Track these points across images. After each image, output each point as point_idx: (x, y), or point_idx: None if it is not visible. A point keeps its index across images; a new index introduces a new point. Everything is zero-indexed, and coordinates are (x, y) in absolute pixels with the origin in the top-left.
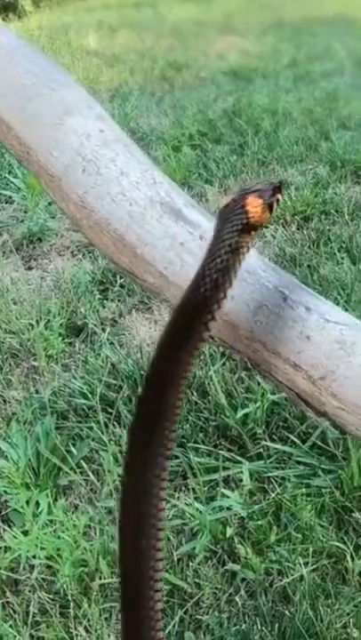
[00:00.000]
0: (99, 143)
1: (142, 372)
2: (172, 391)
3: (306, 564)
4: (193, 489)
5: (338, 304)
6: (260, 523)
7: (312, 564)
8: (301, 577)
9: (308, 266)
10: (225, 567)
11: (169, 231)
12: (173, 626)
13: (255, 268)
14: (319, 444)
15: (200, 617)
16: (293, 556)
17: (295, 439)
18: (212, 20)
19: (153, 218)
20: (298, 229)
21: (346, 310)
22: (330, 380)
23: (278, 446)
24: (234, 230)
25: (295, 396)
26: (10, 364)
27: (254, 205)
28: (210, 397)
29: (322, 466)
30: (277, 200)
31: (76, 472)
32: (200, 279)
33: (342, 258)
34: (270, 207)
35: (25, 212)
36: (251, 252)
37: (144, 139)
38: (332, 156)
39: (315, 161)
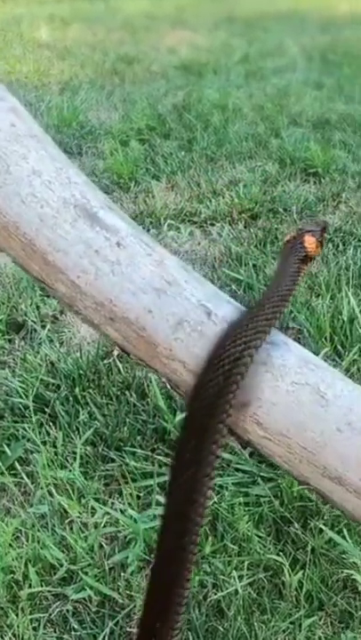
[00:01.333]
0: (9, 138)
1: (81, 372)
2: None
3: (241, 577)
4: (130, 494)
5: None
6: None
7: (248, 578)
8: (237, 591)
9: (254, 265)
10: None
11: (83, 236)
12: (103, 638)
13: (177, 279)
14: None
15: (131, 629)
16: (229, 568)
17: (236, 445)
18: (165, 14)
19: (66, 221)
20: (245, 227)
21: (290, 313)
22: (255, 406)
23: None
24: (296, 260)
25: None
26: None
27: (310, 242)
28: (149, 400)
29: (261, 474)
30: (324, 238)
31: (8, 474)
32: (270, 296)
33: None
34: (321, 244)
35: None
36: (172, 260)
37: (92, 132)
38: (281, 153)
39: (264, 158)
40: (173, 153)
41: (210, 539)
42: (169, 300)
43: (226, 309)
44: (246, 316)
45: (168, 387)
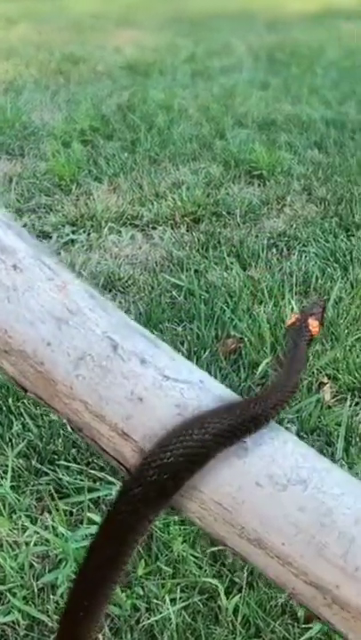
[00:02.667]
0: None
1: None
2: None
3: (175, 600)
4: (61, 511)
5: (224, 313)
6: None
7: (182, 601)
8: (170, 615)
9: (196, 271)
10: None
11: None
12: None
13: (80, 307)
14: None
15: None
16: (163, 591)
17: None
18: (113, 14)
19: None
20: (187, 231)
21: (232, 322)
22: None
23: None
24: (305, 345)
25: (125, 471)
26: None
27: (314, 326)
28: None
29: None
30: (325, 317)
31: None
32: (286, 379)
33: (232, 263)
34: (322, 323)
35: None
36: (76, 285)
37: (35, 133)
38: (226, 155)
39: (208, 160)
40: (116, 154)
41: (143, 559)
42: (70, 330)
43: (135, 342)
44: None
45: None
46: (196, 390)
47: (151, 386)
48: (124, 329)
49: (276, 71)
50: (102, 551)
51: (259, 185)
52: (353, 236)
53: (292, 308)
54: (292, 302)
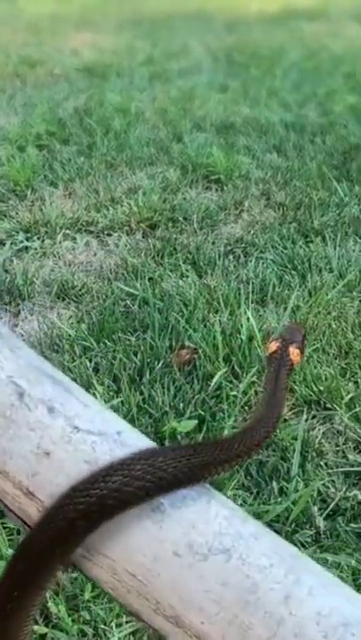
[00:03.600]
0: None
1: None
2: None
3: (121, 625)
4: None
5: (179, 323)
6: (74, 575)
7: (130, 626)
8: None
9: (150, 278)
10: (33, 628)
11: None
12: None
13: None
14: None
15: None
16: (110, 615)
17: None
18: (70, 16)
19: None
20: (143, 238)
21: (186, 332)
22: None
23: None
24: (286, 374)
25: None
26: None
27: (295, 354)
28: None
29: None
30: (305, 344)
31: None
32: (268, 409)
33: (187, 270)
34: (303, 351)
35: None
36: None
37: None
38: (183, 159)
39: (165, 164)
40: (72, 159)
41: (90, 583)
42: None
43: (44, 387)
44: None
45: None
46: (111, 444)
47: (59, 439)
48: (32, 372)
49: (235, 73)
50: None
51: (216, 190)
52: (311, 242)
53: (248, 318)
54: (248, 313)
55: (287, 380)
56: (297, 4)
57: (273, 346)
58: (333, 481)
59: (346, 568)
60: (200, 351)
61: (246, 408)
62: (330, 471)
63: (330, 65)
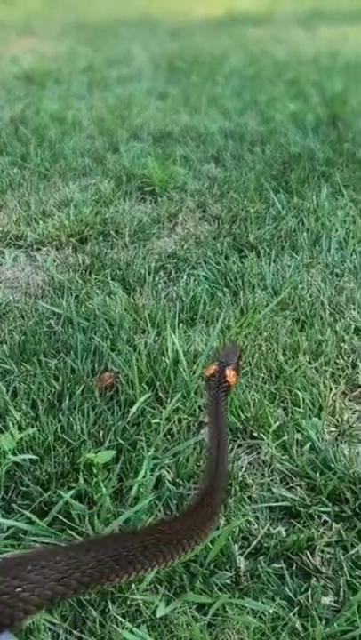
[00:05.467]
0: None
1: None
2: None
3: None
4: None
5: (103, 344)
6: None
7: None
8: None
9: (77, 297)
10: None
11: None
12: None
13: None
14: (62, 518)
15: None
16: None
17: (30, 514)
18: (12, 21)
19: None
20: (73, 252)
21: (111, 354)
22: None
23: (9, 522)
24: (223, 395)
25: None
26: None
27: (231, 376)
28: None
29: (63, 545)
30: (240, 365)
31: None
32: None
33: (115, 287)
34: (238, 371)
35: None
36: None
37: None
38: (118, 170)
39: (99, 175)
40: (5, 170)
41: None
42: None
43: None
44: None
45: None
46: None
47: None
48: None
49: (176, 80)
50: None
51: (151, 202)
52: (246, 257)
53: (173, 343)
54: (174, 336)
55: (225, 401)
56: (242, 9)
57: (210, 369)
58: (257, 517)
59: (265, 615)
60: (123, 375)
61: (169, 437)
62: (254, 506)
63: (272, 71)
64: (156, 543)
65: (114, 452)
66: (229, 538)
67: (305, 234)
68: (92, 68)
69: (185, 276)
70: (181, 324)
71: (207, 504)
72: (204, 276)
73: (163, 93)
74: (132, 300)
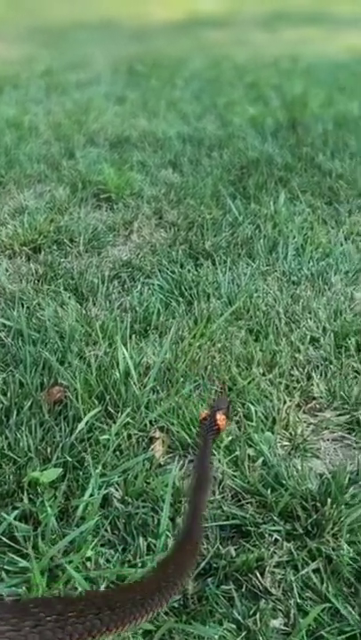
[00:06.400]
0: None
1: None
2: None
3: None
4: None
5: (55, 353)
6: None
7: None
8: None
9: (28, 307)
10: None
11: None
12: None
13: None
14: (5, 540)
15: None
16: None
17: None
18: None
19: None
20: (27, 262)
21: (60, 367)
22: None
23: None
24: (213, 437)
25: None
26: None
27: (221, 420)
28: None
29: (6, 567)
30: (230, 411)
31: None
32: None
33: (69, 297)
34: (228, 416)
35: None
36: None
37: None
38: (74, 177)
39: (54, 181)
40: None
41: None
42: None
43: None
44: None
45: None
46: None
47: None
48: None
49: (134, 84)
50: None
51: (107, 209)
52: (201, 265)
53: (124, 357)
54: (123, 348)
55: (212, 439)
56: (204, 12)
57: (203, 414)
58: (207, 536)
59: None
60: (72, 389)
61: (118, 453)
62: (204, 525)
63: (233, 74)
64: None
65: (60, 470)
66: None
67: (262, 241)
68: (50, 73)
69: (139, 286)
70: (134, 335)
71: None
72: (158, 285)
73: (121, 98)
74: (84, 311)
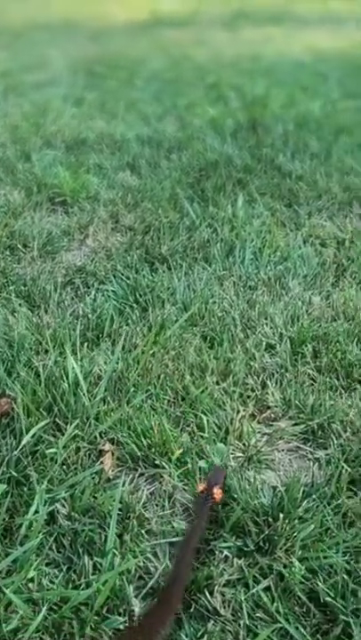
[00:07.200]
0: None
1: None
2: None
3: None
4: None
5: (4, 363)
6: None
7: None
8: None
9: None
10: None
11: None
12: None
13: None
14: None
15: None
16: None
17: None
18: None
19: None
20: None
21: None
22: None
23: None
24: (207, 510)
25: None
26: None
27: (217, 494)
28: None
29: None
30: (224, 482)
31: None
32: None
33: (20, 305)
34: (223, 489)
35: None
36: None
37: None
38: (29, 180)
39: (9, 185)
40: None
41: None
42: None
43: None
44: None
45: None
46: None
47: None
48: None
49: (93, 85)
50: None
51: (62, 213)
52: (157, 270)
53: (73, 367)
54: (72, 359)
55: (209, 513)
56: (164, 12)
57: (200, 486)
58: (156, 553)
59: None
60: (19, 400)
61: (65, 467)
62: (153, 542)
63: (193, 75)
64: None
65: (5, 487)
66: (124, 578)
67: (219, 244)
68: (7, 74)
69: (93, 292)
70: (86, 344)
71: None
72: (112, 291)
73: (79, 99)
74: (35, 319)
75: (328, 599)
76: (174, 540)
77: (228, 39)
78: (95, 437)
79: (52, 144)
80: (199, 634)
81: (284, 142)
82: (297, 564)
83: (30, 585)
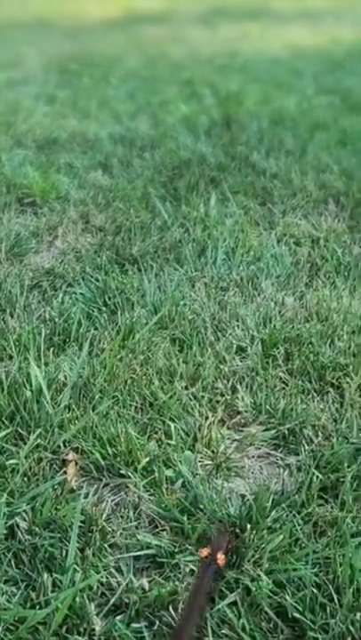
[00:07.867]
0: None
1: None
2: None
3: None
4: None
5: None
6: None
7: None
8: None
9: None
10: None
11: None
12: None
13: None
14: None
15: None
16: None
17: None
18: None
19: None
20: None
21: None
22: None
23: None
24: (211, 577)
25: None
26: None
27: (221, 559)
28: None
29: None
30: (228, 547)
31: None
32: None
33: None
34: (226, 554)
35: None
36: None
37: None
38: None
39: None
40: None
41: None
42: None
43: None
44: None
45: None
46: None
47: None
48: None
49: (67, 83)
50: None
51: (31, 214)
52: (127, 272)
53: (36, 375)
54: (34, 366)
55: (212, 580)
56: (140, 9)
57: (204, 551)
58: (120, 567)
59: None
60: None
61: (26, 479)
62: (117, 556)
63: (168, 72)
64: None
65: None
66: (85, 595)
67: (190, 245)
68: None
69: (60, 295)
70: (52, 349)
71: None
72: (81, 293)
73: (52, 97)
74: (0, 323)
75: (296, 614)
76: (139, 553)
77: (204, 36)
78: (59, 446)
79: (23, 143)
80: None
81: (259, 140)
82: (265, 577)
83: None
